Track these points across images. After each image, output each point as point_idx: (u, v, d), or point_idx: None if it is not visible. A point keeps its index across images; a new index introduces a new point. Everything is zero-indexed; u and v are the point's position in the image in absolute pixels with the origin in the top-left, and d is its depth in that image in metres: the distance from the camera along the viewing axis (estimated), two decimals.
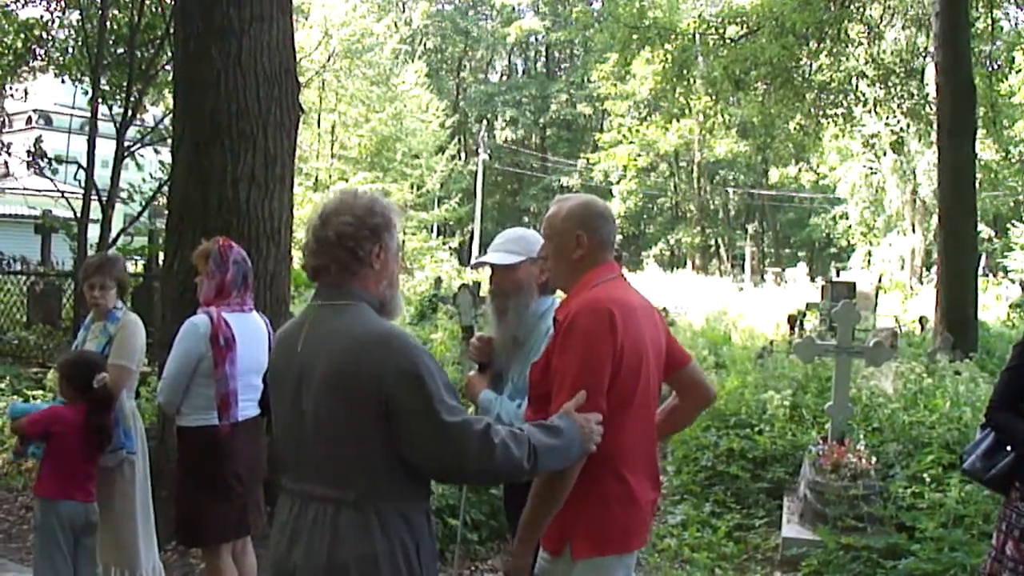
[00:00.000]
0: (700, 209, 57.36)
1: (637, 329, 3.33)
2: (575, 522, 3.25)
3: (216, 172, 6.82)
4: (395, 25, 45.35)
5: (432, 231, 44.58)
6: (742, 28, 23.37)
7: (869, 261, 44.73)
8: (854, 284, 24.44)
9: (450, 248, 42.32)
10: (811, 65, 22.80)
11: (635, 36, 23.78)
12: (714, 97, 24.97)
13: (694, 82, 25.13)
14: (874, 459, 7.49)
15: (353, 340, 2.80)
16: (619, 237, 43.75)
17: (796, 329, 18.42)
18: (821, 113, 23.71)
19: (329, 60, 30.77)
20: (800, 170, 52.08)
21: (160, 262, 15.86)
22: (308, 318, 2.96)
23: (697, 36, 23.94)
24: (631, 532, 3.36)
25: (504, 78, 74.63)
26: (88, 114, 15.99)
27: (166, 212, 19.37)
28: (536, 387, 3.37)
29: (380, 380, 2.73)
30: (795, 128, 26.44)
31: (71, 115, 21.33)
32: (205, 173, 6.88)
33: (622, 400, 3.23)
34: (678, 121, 34.20)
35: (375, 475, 2.80)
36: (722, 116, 28.37)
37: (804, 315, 20.20)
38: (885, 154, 35.56)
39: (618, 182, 56.12)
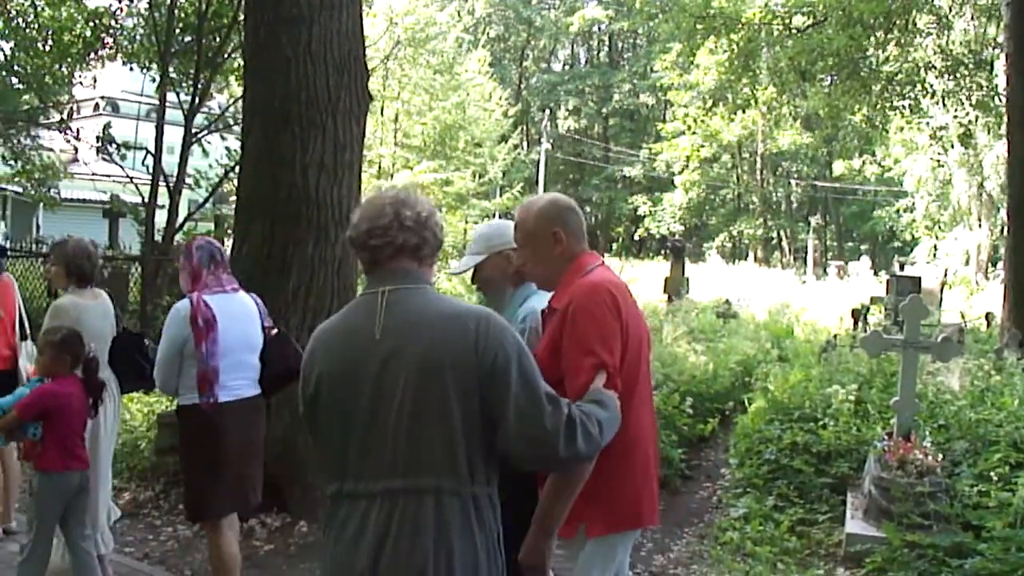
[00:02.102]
0: (763, 201, 57.01)
1: (635, 310, 3.46)
2: (587, 502, 3.27)
3: (285, 159, 6.90)
4: (458, 14, 45.40)
5: (494, 220, 44.60)
6: (809, 18, 23.08)
7: (935, 255, 44.12)
8: (919, 279, 24.08)
9: None
10: (878, 56, 22.47)
11: (700, 26, 23.57)
12: (779, 88, 24.72)
13: (759, 73, 24.89)
14: (940, 456, 7.40)
15: (452, 320, 2.73)
16: (681, 228, 43.66)
17: (860, 323, 18.21)
18: (888, 105, 23.37)
19: (395, 49, 30.87)
20: (864, 162, 51.43)
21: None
22: (379, 304, 2.77)
23: (762, 26, 23.71)
24: (643, 509, 3.48)
25: (567, 67, 74.55)
26: (155, 101, 16.21)
27: (231, 198, 19.47)
28: (545, 373, 3.22)
29: (485, 359, 2.67)
30: (861, 120, 26.09)
31: (139, 103, 21.61)
32: (274, 160, 6.97)
33: (630, 378, 3.29)
34: (743, 112, 33.92)
35: (474, 460, 2.71)
36: (788, 107, 28.08)
37: (868, 309, 19.96)
38: (953, 147, 35.05)
39: (680, 172, 55.87)
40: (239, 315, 5.32)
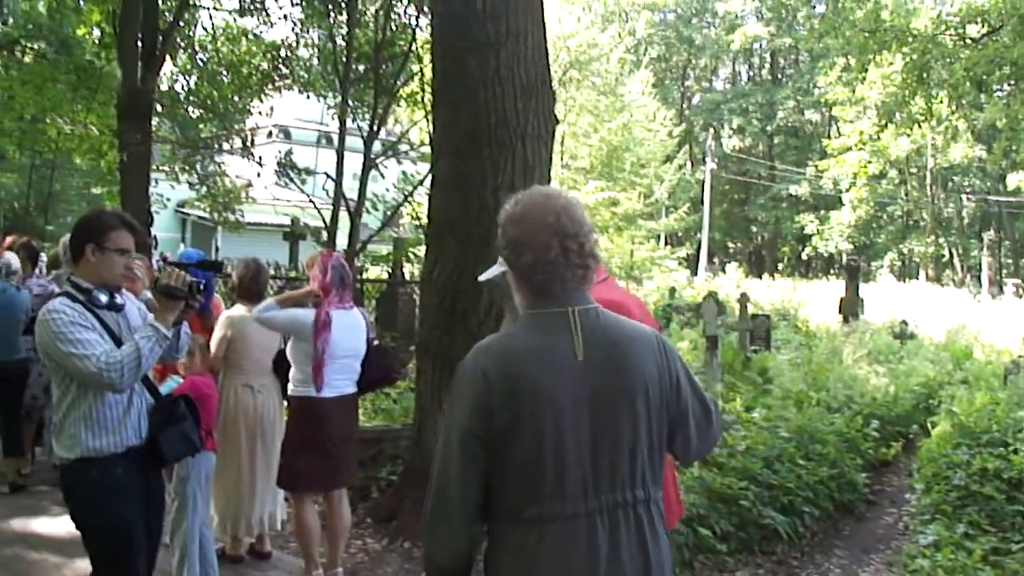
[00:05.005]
0: (933, 217, 55.28)
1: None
2: None
3: (476, 181, 7.05)
4: (619, 35, 45.50)
5: (660, 240, 44.48)
6: (983, 27, 22.46)
7: None
8: None
9: (679, 258, 42.03)
10: None
11: (871, 41, 23.12)
12: (954, 100, 24.06)
13: (930, 85, 24.27)
14: None
15: (640, 341, 2.84)
16: (849, 246, 42.50)
17: None
18: None
19: (565, 74, 31.14)
20: None
21: (402, 269, 16.58)
22: (571, 325, 2.77)
23: (935, 37, 23.11)
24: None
25: (729, 86, 73.85)
26: (325, 128, 16.72)
27: (400, 221, 19.65)
28: None
29: (671, 377, 2.85)
30: None
31: (317, 130, 22.29)
32: (465, 182, 7.13)
33: None
34: (919, 127, 33.08)
35: (662, 467, 2.89)
36: (965, 120, 27.27)
37: None
38: None
39: (848, 190, 54.62)
40: (351, 328, 6.21)
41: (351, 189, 15.95)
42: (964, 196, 57.82)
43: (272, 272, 19.28)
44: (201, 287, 4.38)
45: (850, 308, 22.12)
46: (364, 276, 17.14)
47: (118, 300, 4.32)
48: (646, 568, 2.77)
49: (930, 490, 8.77)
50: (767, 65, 73.33)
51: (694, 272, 45.81)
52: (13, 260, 8.61)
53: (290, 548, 7.20)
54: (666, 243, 47.31)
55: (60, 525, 6.24)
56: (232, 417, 6.62)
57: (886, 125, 33.05)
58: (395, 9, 15.98)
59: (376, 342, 6.62)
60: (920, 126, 32.99)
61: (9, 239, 10.24)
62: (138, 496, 4.27)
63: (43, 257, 9.98)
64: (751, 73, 75.28)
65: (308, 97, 19.45)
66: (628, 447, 2.74)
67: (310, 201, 16.37)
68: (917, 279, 49.74)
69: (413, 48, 15.37)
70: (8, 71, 21.07)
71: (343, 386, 6.20)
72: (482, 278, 4.95)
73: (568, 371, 2.72)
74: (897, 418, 11.72)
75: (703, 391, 3.00)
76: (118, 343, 4.14)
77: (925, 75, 23.62)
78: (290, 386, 6.28)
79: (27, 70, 20.78)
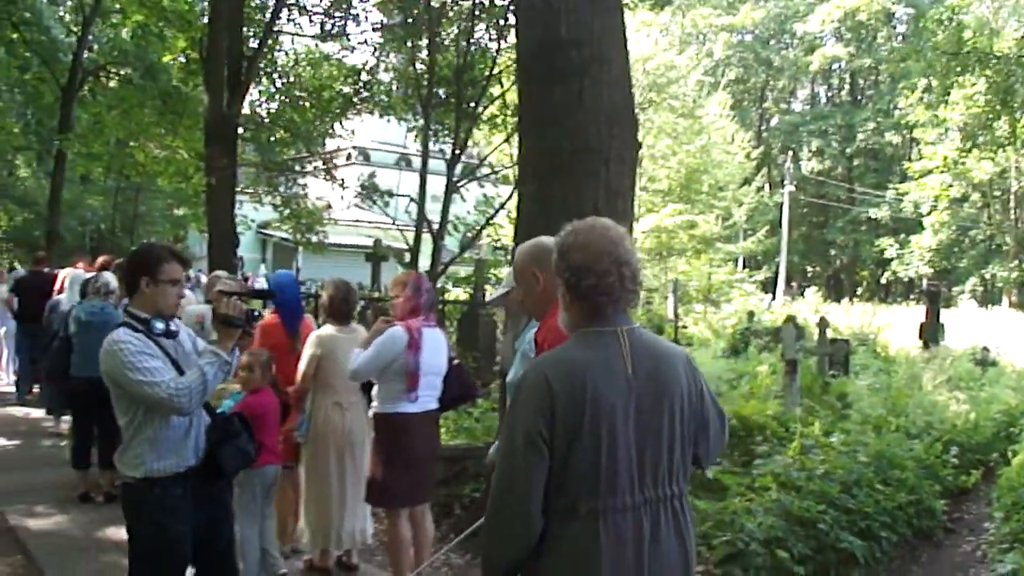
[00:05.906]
0: (1017, 241, 54.13)
1: None
2: None
3: (559, 206, 7.13)
4: (697, 57, 45.42)
5: (738, 263, 44.22)
6: None
7: None
8: None
9: (757, 281, 41.66)
10: None
11: (953, 63, 22.90)
12: None
13: (1016, 108, 23.94)
14: None
15: (675, 357, 3.23)
16: (930, 271, 41.70)
17: None
18: None
19: (643, 96, 31.17)
20: None
21: (483, 290, 16.74)
22: (621, 343, 3.11)
23: (1019, 59, 22.80)
24: None
25: (808, 107, 73.16)
26: (403, 150, 16.96)
27: (479, 242, 19.91)
28: None
29: (697, 389, 3.23)
30: None
31: (398, 152, 22.53)
32: (549, 206, 7.23)
33: None
34: (1003, 149, 32.54)
35: (690, 466, 3.29)
36: None
37: None
38: None
39: (929, 213, 53.78)
40: (435, 346, 6.41)
41: (432, 211, 16.19)
42: None
43: None
44: (255, 315, 4.77)
45: (930, 334, 21.80)
46: (445, 297, 17.32)
47: (172, 327, 4.62)
48: (683, 551, 3.17)
49: (1009, 519, 8.65)
50: (846, 86, 72.54)
51: (773, 295, 45.48)
52: (112, 280, 8.94)
53: (375, 561, 7.40)
54: (744, 266, 47.04)
55: None
56: (322, 434, 6.81)
57: (970, 149, 32.43)
58: (475, 34, 16.25)
59: (456, 361, 6.84)
60: (1004, 149, 32.38)
61: (103, 259, 10.59)
62: (190, 516, 4.56)
63: None
64: (830, 94, 74.60)
65: (388, 121, 19.78)
66: (667, 449, 3.12)
67: (392, 223, 16.64)
68: (1000, 305, 48.72)
69: (493, 72, 15.60)
70: (96, 97, 21.67)
71: (427, 402, 6.38)
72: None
73: (621, 382, 3.06)
74: (977, 446, 11.57)
75: (718, 402, 3.37)
76: (177, 367, 4.45)
77: (1009, 97, 23.31)
78: (374, 403, 6.44)
79: (114, 95, 21.41)
